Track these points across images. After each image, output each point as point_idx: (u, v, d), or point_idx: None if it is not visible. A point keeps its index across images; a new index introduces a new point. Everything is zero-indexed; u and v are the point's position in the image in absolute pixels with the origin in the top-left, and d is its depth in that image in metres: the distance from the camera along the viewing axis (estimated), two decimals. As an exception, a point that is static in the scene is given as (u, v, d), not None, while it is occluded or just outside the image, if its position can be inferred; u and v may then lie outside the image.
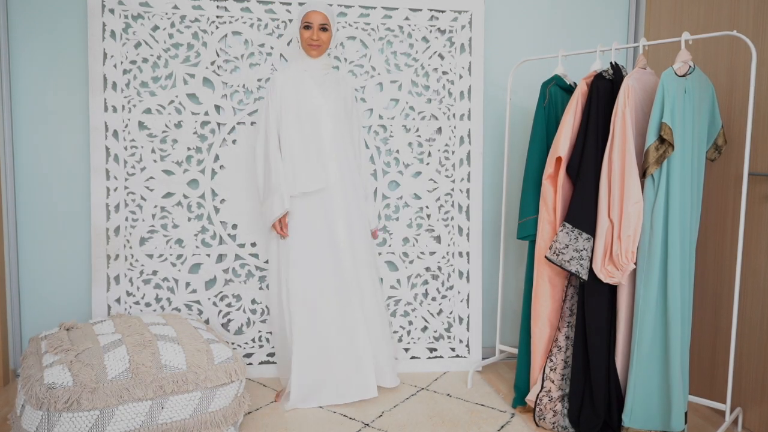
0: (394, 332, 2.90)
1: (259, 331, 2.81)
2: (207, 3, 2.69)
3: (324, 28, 2.41)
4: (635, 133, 2.15)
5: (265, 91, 2.61)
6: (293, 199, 2.43)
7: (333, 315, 2.45)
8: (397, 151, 2.86)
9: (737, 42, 2.36)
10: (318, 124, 2.44)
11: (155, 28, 2.67)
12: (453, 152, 2.90)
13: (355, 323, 2.46)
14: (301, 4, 2.74)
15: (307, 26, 2.41)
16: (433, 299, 2.93)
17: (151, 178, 2.70)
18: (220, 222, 2.77)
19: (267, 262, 2.80)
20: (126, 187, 2.68)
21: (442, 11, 2.84)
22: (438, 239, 2.94)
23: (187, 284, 2.76)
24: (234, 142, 2.76)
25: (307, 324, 2.43)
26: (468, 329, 2.93)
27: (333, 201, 2.45)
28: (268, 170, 2.43)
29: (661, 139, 2.04)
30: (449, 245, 2.91)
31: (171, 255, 2.73)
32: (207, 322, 2.76)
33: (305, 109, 2.44)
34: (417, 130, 2.87)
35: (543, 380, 2.31)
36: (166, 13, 2.66)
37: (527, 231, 2.49)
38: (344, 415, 2.38)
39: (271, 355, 2.79)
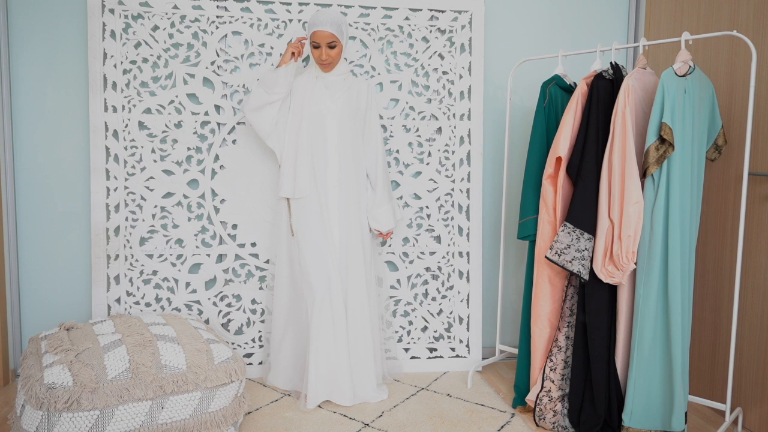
0: (395, 332, 2.90)
1: (259, 331, 2.81)
2: (207, 3, 2.69)
3: (332, 45, 2.40)
4: (635, 132, 2.15)
5: None
6: (300, 200, 2.48)
7: (333, 318, 2.46)
8: (397, 151, 2.86)
9: (737, 42, 2.36)
10: (324, 127, 2.46)
11: (155, 28, 2.67)
12: (453, 152, 2.90)
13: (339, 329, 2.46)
14: (301, 4, 2.74)
15: (315, 45, 2.41)
16: (433, 299, 2.93)
17: (151, 178, 2.70)
18: (220, 222, 2.77)
19: (268, 262, 2.80)
20: (126, 187, 2.68)
21: (442, 11, 2.84)
22: (438, 239, 2.94)
23: (187, 284, 2.76)
24: (234, 142, 2.76)
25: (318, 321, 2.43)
26: (468, 329, 2.93)
27: (330, 205, 2.47)
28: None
29: (662, 139, 2.04)
30: (449, 245, 2.91)
31: (171, 255, 2.73)
32: (207, 322, 2.76)
33: (312, 112, 2.46)
34: (417, 130, 2.87)
35: (543, 380, 2.31)
36: (166, 13, 2.66)
37: (527, 231, 2.49)
38: (344, 415, 2.38)
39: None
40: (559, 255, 2.21)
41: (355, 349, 2.49)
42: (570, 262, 2.19)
